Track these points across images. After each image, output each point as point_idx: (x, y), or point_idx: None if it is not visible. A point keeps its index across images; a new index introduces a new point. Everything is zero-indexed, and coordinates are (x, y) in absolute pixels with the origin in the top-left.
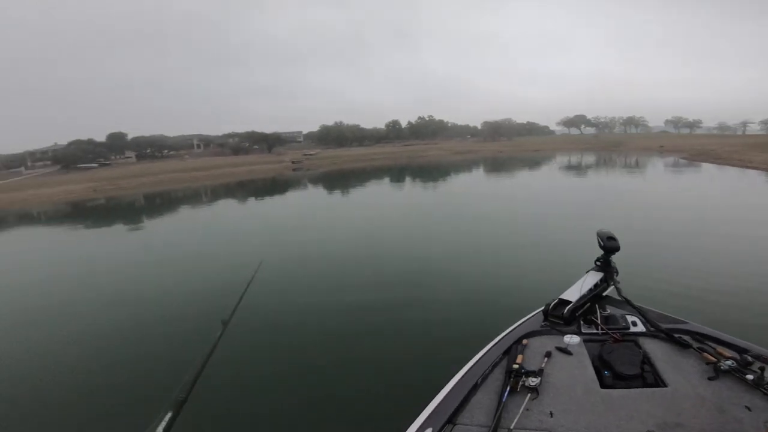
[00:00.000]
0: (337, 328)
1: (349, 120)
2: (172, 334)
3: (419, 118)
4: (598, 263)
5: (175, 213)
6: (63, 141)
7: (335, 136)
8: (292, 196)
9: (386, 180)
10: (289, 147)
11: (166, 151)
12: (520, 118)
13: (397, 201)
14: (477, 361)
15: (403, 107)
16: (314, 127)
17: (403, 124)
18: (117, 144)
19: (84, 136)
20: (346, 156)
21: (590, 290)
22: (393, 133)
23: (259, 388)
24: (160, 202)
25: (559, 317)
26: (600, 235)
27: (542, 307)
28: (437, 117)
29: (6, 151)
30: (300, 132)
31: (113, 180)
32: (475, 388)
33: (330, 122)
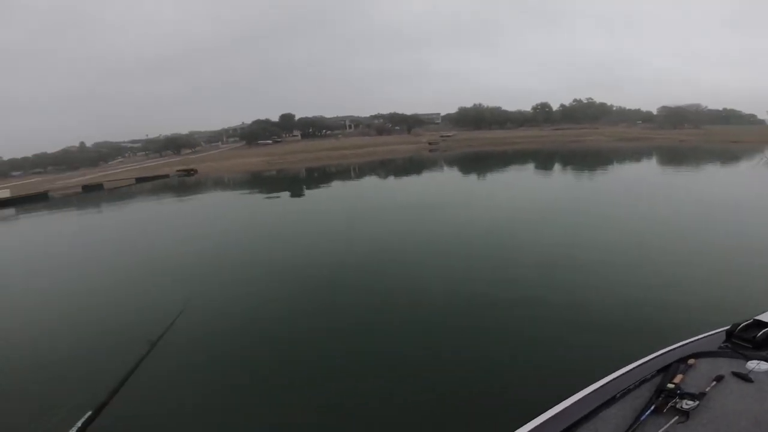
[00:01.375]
0: (480, 319)
1: (490, 103)
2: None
3: (575, 100)
4: None
5: (329, 188)
6: (248, 120)
7: (473, 118)
8: (428, 177)
9: (530, 166)
10: (426, 128)
11: (324, 130)
12: (713, 105)
13: (545, 188)
14: (621, 375)
15: (553, 91)
16: (453, 110)
17: (554, 107)
18: (287, 124)
19: (263, 116)
20: (483, 138)
21: None
22: (541, 116)
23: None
24: (318, 176)
25: (749, 340)
26: None
27: (726, 327)
28: (598, 100)
29: (210, 128)
30: (438, 114)
31: (282, 155)
32: (611, 401)
33: (470, 105)
